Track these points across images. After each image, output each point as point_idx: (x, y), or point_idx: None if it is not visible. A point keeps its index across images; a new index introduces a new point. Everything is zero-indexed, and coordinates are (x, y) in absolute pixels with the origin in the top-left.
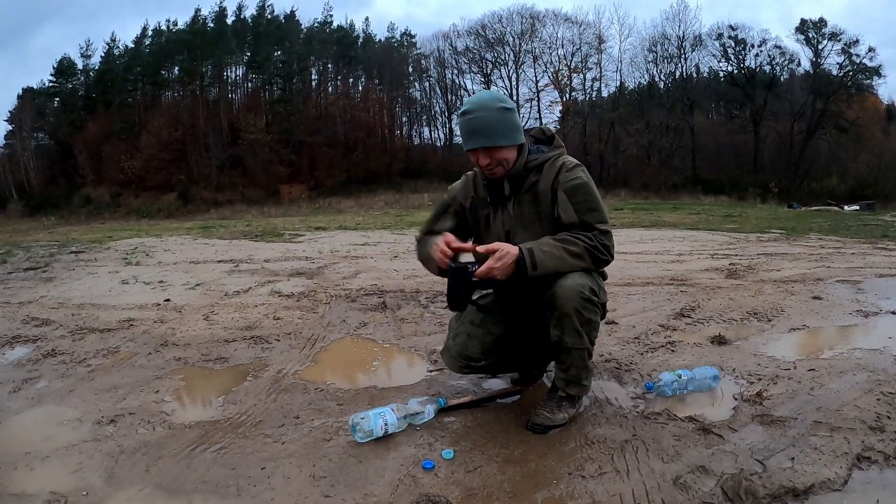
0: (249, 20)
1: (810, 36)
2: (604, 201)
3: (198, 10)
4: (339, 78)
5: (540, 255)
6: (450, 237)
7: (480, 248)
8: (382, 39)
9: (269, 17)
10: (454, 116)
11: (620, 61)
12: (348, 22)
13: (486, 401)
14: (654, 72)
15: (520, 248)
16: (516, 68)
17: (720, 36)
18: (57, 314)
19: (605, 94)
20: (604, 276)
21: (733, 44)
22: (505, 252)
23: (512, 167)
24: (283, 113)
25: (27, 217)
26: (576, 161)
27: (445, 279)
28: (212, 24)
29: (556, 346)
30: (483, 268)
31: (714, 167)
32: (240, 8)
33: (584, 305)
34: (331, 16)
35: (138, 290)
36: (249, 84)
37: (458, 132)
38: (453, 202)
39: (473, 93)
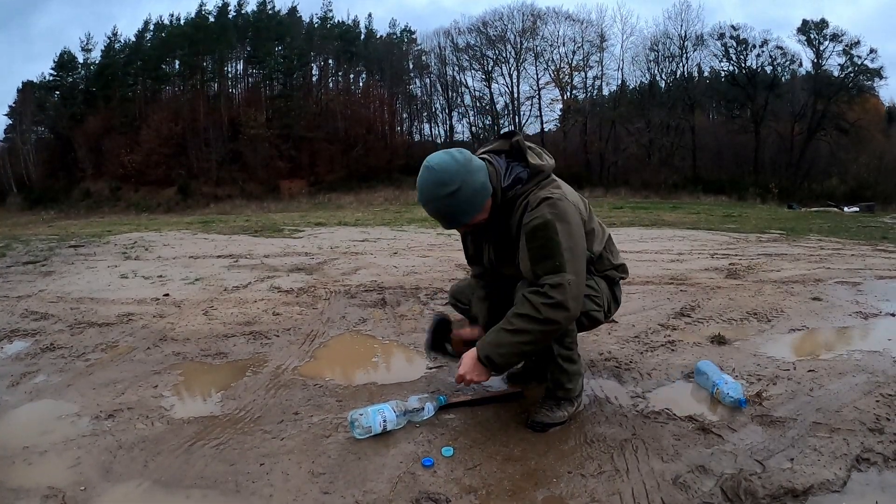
0: (250, 15)
1: (812, 37)
2: (572, 243)
3: (201, 5)
4: (340, 74)
5: (498, 358)
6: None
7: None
8: (383, 35)
9: (271, 12)
10: (455, 113)
11: (622, 60)
12: (351, 17)
13: (486, 401)
14: (656, 71)
15: (478, 358)
16: (517, 66)
17: (722, 36)
18: (56, 308)
19: (606, 92)
20: (624, 271)
21: (735, 44)
22: (470, 363)
23: (489, 215)
24: (283, 108)
25: (26, 211)
26: (547, 192)
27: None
28: (213, 19)
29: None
30: (458, 376)
31: (714, 167)
32: (241, 3)
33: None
34: (331, 10)
35: (137, 285)
36: (250, 79)
37: None
38: (462, 236)
39: (474, 90)
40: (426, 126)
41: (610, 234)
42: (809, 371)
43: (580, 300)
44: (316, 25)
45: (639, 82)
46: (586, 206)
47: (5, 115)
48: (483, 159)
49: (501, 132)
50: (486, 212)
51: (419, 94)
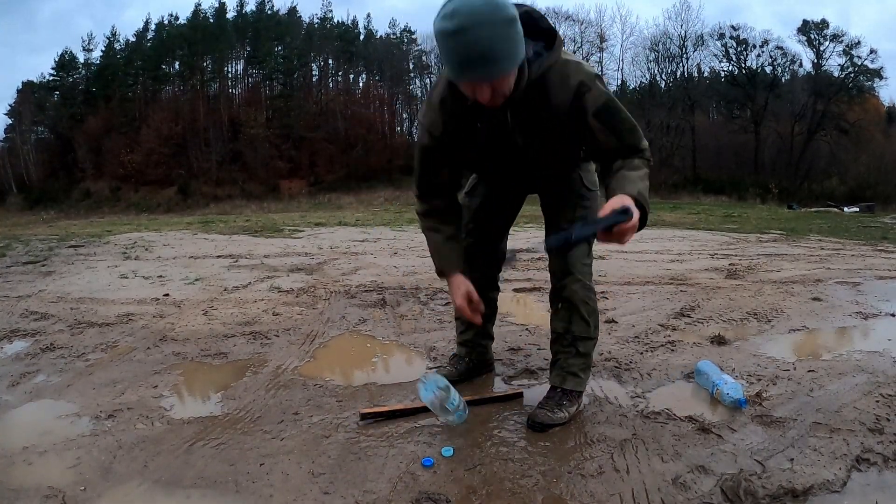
0: (250, 15)
1: (812, 37)
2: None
3: (198, 5)
4: (340, 74)
5: (646, 199)
6: (472, 295)
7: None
8: (383, 35)
9: (270, 12)
10: None
11: (622, 60)
12: (350, 17)
13: (486, 401)
14: (656, 71)
15: (635, 199)
16: None
17: (722, 36)
18: (56, 308)
19: None
20: None
21: (735, 44)
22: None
23: (513, 90)
24: (283, 108)
25: (26, 211)
26: (585, 68)
27: None
28: (212, 19)
29: (561, 337)
30: (627, 230)
31: (714, 167)
32: (241, 3)
33: (588, 296)
34: (330, 11)
35: (137, 285)
36: (250, 79)
37: (441, 53)
38: (436, 144)
39: None
40: None
41: None
42: (809, 371)
43: None
44: (315, 26)
45: (639, 82)
46: None
47: (5, 114)
48: None
49: None
50: (515, 75)
51: (419, 94)
